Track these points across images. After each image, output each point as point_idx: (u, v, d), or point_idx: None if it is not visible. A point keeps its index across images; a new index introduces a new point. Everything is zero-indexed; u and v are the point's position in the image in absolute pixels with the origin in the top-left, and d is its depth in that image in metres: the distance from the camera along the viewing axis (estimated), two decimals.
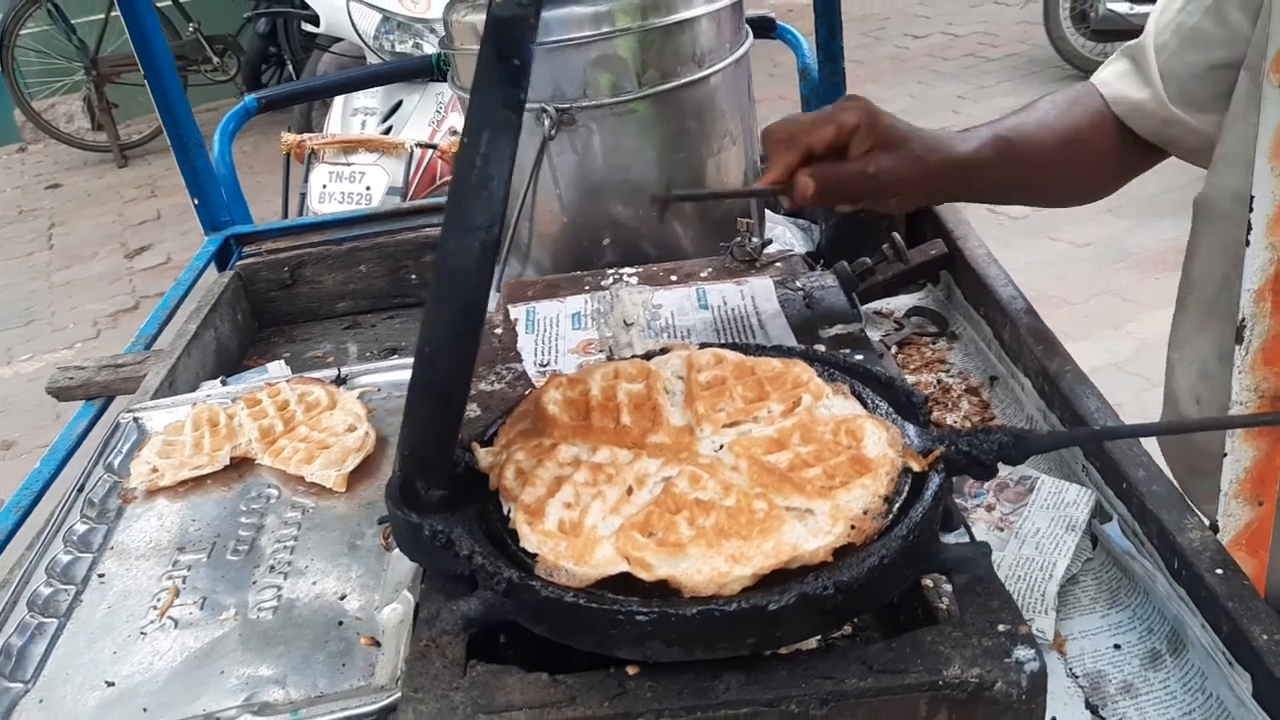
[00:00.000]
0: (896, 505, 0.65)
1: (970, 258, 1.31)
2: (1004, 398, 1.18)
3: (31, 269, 5.41)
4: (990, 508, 0.96)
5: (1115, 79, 1.11)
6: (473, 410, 0.91)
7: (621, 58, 1.16)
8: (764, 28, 2.01)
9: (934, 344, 1.32)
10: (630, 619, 0.59)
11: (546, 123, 1.16)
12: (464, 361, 0.62)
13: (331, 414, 1.14)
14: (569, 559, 0.61)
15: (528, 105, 1.19)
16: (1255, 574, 0.85)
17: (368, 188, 2.96)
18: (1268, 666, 0.72)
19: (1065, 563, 0.88)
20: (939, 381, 1.22)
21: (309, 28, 3.60)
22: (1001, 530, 0.93)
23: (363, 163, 3.00)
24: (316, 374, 1.23)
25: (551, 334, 0.99)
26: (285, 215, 3.15)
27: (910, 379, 1.25)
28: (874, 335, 1.35)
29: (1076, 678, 0.84)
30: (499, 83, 0.59)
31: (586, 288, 1.12)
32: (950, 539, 0.74)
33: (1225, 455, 0.82)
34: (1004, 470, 0.97)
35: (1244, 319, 0.77)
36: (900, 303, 1.41)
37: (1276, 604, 0.79)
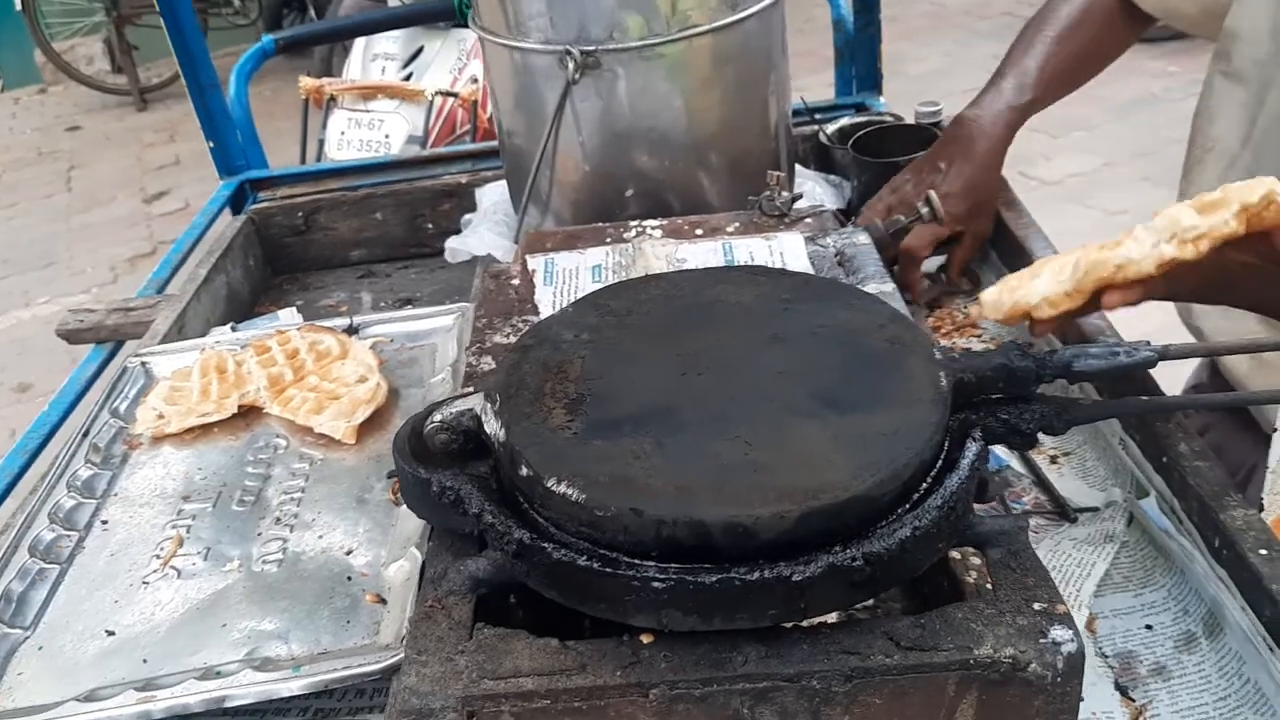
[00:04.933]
0: (932, 473, 0.62)
1: (1007, 218, 1.26)
2: None
3: (50, 211, 5.39)
4: (1027, 515, 0.92)
5: None
6: (488, 362, 0.88)
7: None
8: None
9: (965, 307, 1.27)
10: (646, 585, 0.56)
11: (570, 66, 1.12)
12: None
13: (343, 364, 1.11)
14: None
15: (550, 48, 1.15)
16: None
17: (386, 136, 2.91)
18: None
19: (1105, 566, 0.84)
20: (969, 348, 1.18)
21: None
22: (1036, 534, 0.90)
23: (382, 110, 2.95)
24: (328, 323, 1.20)
25: (571, 286, 0.96)
26: (303, 162, 3.11)
27: (942, 344, 1.20)
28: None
29: (1106, 657, 0.81)
30: None
31: (608, 240, 1.08)
32: (984, 512, 0.71)
33: (1275, 430, 0.78)
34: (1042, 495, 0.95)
35: None
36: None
37: None
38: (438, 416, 0.67)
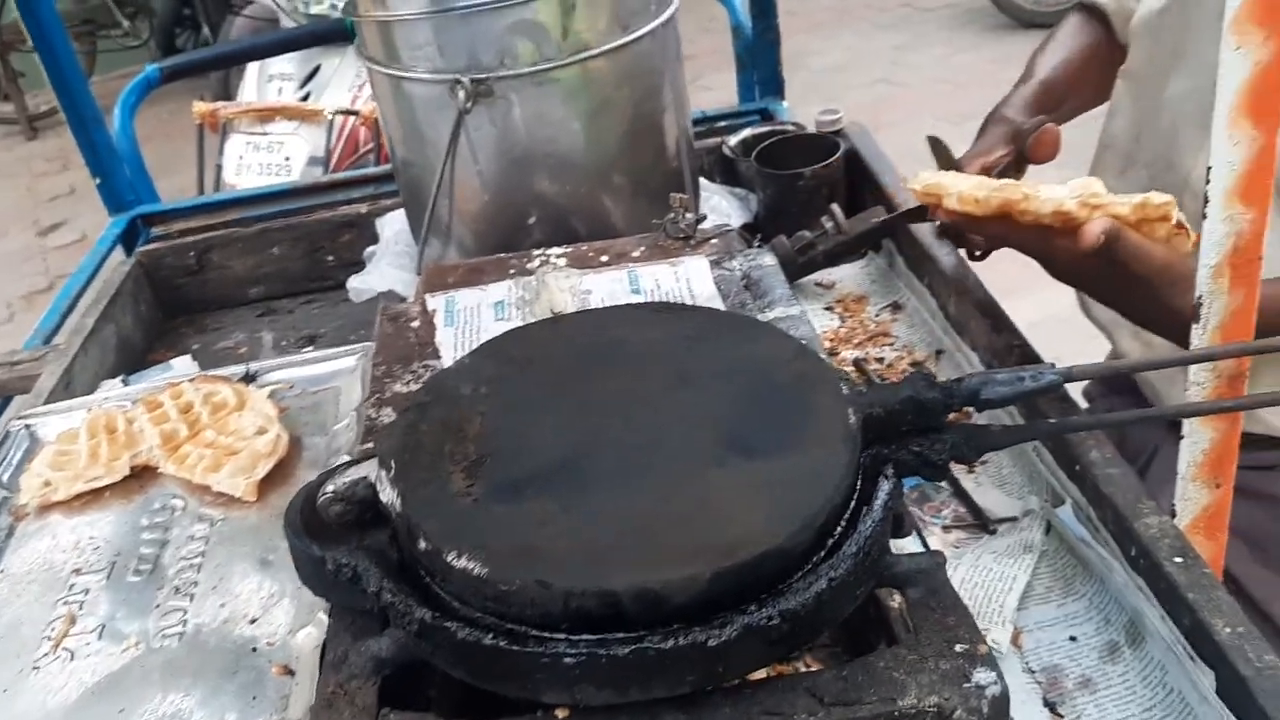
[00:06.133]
0: (845, 516, 0.60)
1: (912, 225, 1.26)
2: (951, 372, 1.14)
3: None
4: (948, 529, 0.92)
5: None
6: (387, 415, 0.84)
7: (541, 23, 1.08)
8: None
9: (877, 316, 1.27)
10: (557, 661, 0.53)
11: (461, 95, 1.08)
12: None
13: (240, 415, 1.06)
14: None
15: (441, 77, 1.12)
16: (1213, 558, 0.82)
17: (287, 158, 2.83)
18: (1231, 662, 0.69)
19: (1026, 578, 0.84)
20: (882, 359, 1.18)
21: None
22: (958, 548, 0.89)
23: (281, 132, 2.86)
24: (223, 371, 1.15)
25: (473, 326, 0.92)
26: (201, 190, 3.01)
27: (853, 353, 1.20)
28: (815, 307, 1.30)
29: (1034, 673, 0.81)
30: None
31: (512, 271, 1.05)
32: (905, 543, 0.70)
33: (1182, 439, 0.79)
34: (961, 507, 0.95)
35: (1200, 296, 0.73)
36: (842, 273, 1.36)
37: None
38: (330, 487, 0.64)
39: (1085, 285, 1.00)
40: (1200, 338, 0.74)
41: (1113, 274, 0.87)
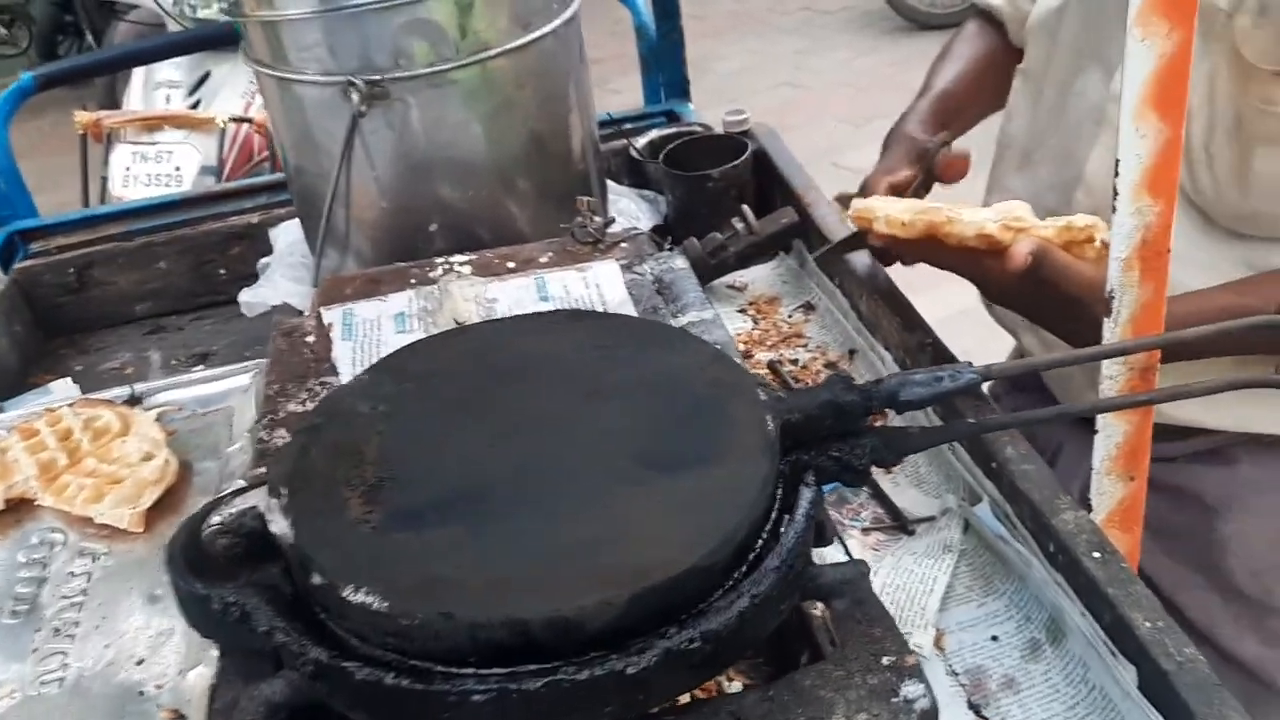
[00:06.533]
0: (766, 528, 0.58)
1: (822, 225, 1.25)
2: (865, 371, 1.13)
3: None
4: (867, 532, 0.91)
5: None
6: (280, 437, 0.79)
7: (436, 22, 1.04)
8: None
9: (790, 317, 1.26)
10: (465, 699, 0.50)
11: (355, 97, 1.03)
12: None
13: (124, 441, 1.00)
14: None
15: (333, 79, 1.07)
16: (1129, 550, 0.82)
17: (177, 168, 2.72)
18: (1153, 658, 0.68)
19: (946, 579, 0.83)
20: (796, 360, 1.16)
21: None
22: (878, 551, 0.88)
23: (170, 141, 2.75)
24: (106, 394, 1.08)
25: (373, 340, 0.88)
26: (85, 204, 2.88)
27: (768, 355, 1.18)
28: (728, 309, 1.28)
29: (957, 675, 0.80)
30: None
31: (413, 281, 1.00)
32: (827, 549, 0.68)
33: (1095, 433, 0.79)
34: (879, 508, 0.94)
35: (1112, 289, 0.73)
36: (754, 274, 1.34)
37: None
38: (216, 518, 0.59)
39: (1018, 306, 1.00)
40: (1112, 331, 0.74)
41: (1042, 294, 0.87)
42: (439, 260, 1.03)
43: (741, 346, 1.20)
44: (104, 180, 2.77)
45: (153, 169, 2.75)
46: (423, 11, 1.03)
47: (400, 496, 0.58)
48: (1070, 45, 1.07)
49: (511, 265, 1.01)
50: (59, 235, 1.51)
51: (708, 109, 1.67)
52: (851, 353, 1.16)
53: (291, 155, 1.16)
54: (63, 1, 5.66)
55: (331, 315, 0.91)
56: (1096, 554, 0.76)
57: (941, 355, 1.00)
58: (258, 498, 0.59)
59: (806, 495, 0.59)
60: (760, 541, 0.57)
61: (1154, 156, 0.68)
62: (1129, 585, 0.73)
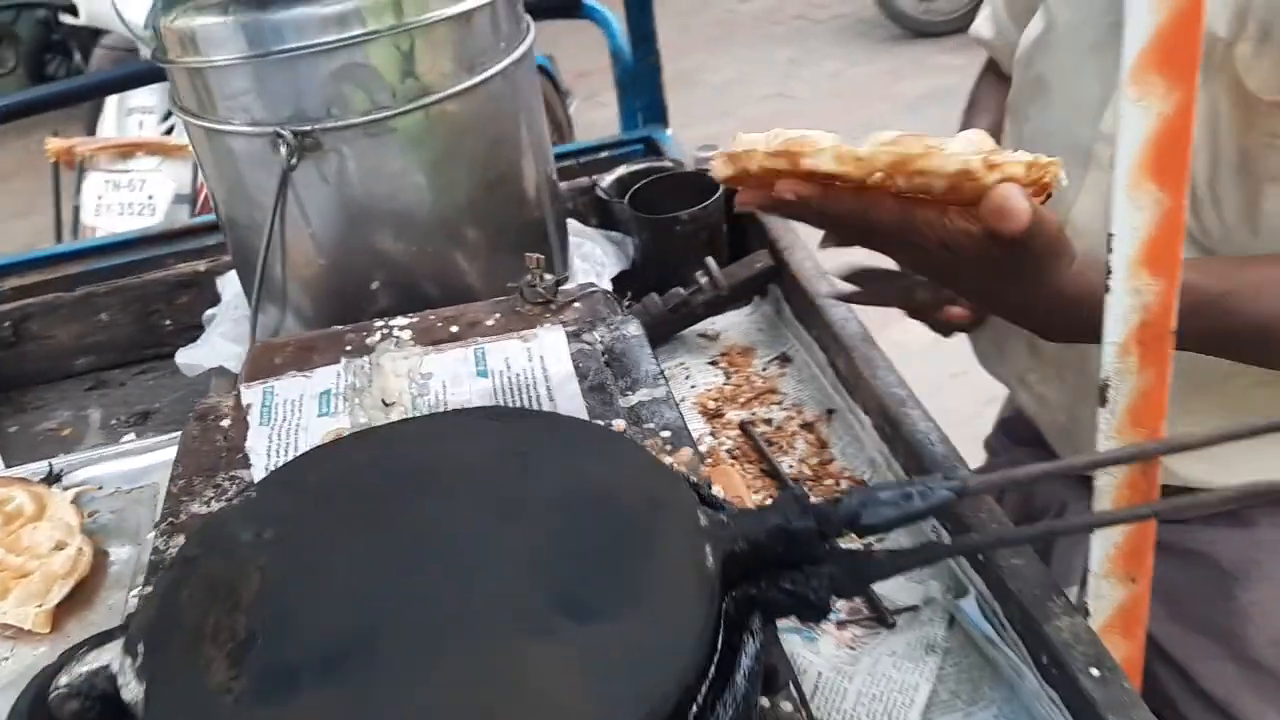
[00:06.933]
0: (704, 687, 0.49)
1: (798, 272, 1.17)
2: (843, 434, 1.05)
3: None
4: (842, 625, 0.82)
5: (982, 25, 1.14)
6: (178, 545, 0.71)
7: (372, 67, 0.95)
8: (569, 7, 1.83)
9: (764, 370, 1.17)
10: None
11: (284, 150, 0.95)
12: None
13: (35, 527, 0.92)
14: None
15: (261, 130, 0.99)
16: (1131, 658, 0.73)
17: (150, 197, 2.64)
18: None
19: (929, 687, 0.75)
20: (770, 420, 1.08)
21: (67, 19, 3.18)
22: (854, 649, 0.80)
23: (143, 169, 2.68)
24: (22, 470, 1.00)
25: (292, 425, 0.79)
26: (58, 233, 2.81)
27: (739, 414, 1.10)
28: (699, 361, 1.20)
29: None
30: None
31: (349, 348, 0.92)
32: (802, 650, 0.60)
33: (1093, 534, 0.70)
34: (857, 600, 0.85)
35: (1106, 378, 0.64)
36: (728, 320, 1.26)
37: None
38: (64, 679, 0.51)
39: (1005, 291, 0.73)
40: (1108, 423, 0.65)
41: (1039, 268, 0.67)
42: (378, 324, 0.95)
43: (712, 404, 1.12)
44: (76, 209, 2.69)
45: (125, 197, 2.67)
46: (359, 56, 0.95)
47: (273, 655, 0.49)
48: (1050, 79, 0.99)
49: (455, 329, 0.93)
50: (12, 276, 1.43)
51: (699, 123, 1.60)
52: (829, 413, 1.08)
53: (224, 208, 1.08)
54: (51, 22, 5.60)
55: (251, 395, 0.83)
56: (1095, 670, 0.67)
57: (924, 420, 0.92)
58: (110, 655, 0.51)
59: (751, 647, 0.50)
60: (700, 701, 0.49)
61: (1153, 229, 0.60)
62: (1131, 710, 0.65)
